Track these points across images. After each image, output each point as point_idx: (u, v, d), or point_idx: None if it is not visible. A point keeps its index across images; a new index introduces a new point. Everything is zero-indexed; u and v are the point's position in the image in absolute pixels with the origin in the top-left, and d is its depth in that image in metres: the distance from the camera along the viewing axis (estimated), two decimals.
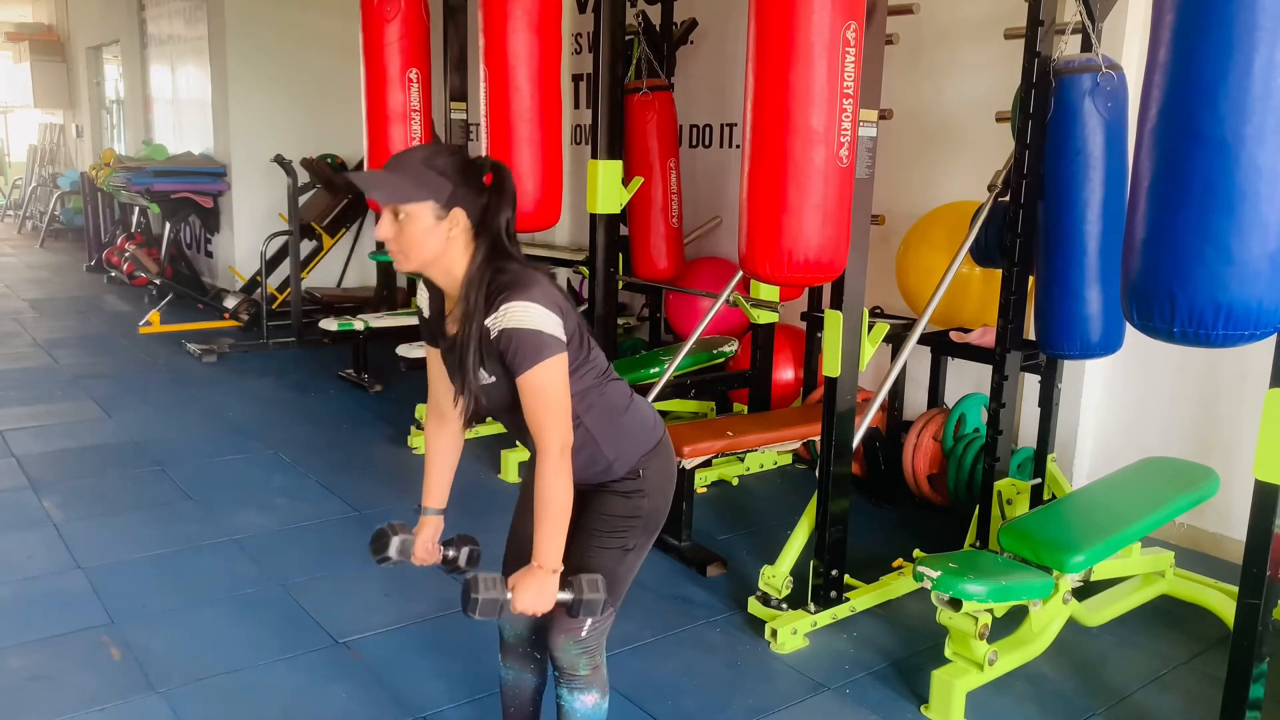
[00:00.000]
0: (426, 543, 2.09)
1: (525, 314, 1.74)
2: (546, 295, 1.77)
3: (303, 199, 7.71)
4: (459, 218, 1.79)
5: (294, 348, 7.01)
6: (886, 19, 2.92)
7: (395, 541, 2.05)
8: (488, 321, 1.76)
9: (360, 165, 7.11)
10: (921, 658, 2.99)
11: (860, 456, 4.33)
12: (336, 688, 2.77)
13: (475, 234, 1.82)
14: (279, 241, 7.39)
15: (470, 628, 3.11)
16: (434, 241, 1.79)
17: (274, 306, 7.28)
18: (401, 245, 1.80)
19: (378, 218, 1.83)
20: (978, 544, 3.46)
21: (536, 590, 1.80)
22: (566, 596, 1.83)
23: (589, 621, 1.94)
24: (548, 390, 1.77)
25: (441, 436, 2.09)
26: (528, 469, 2.11)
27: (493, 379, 1.83)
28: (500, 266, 1.80)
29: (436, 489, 2.12)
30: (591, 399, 1.91)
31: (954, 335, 4.14)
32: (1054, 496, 3.66)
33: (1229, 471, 3.47)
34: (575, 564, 1.96)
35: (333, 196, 7.87)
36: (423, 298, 1.99)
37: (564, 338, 1.78)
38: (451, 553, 2.08)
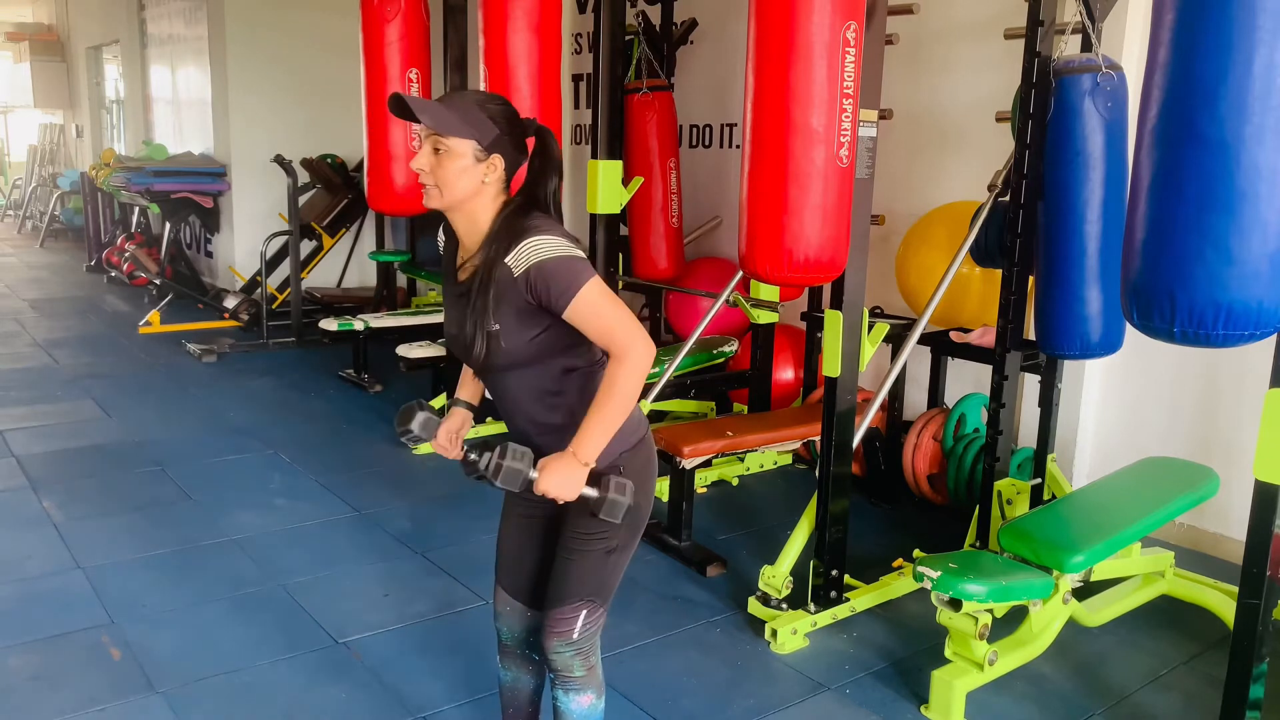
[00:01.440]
0: (451, 432, 2.04)
1: (549, 245, 1.74)
2: (569, 238, 1.79)
3: (303, 199, 7.71)
4: (497, 164, 1.81)
5: (294, 348, 7.01)
6: (886, 19, 2.92)
7: (420, 417, 1.97)
8: (508, 260, 1.75)
9: (360, 165, 7.11)
10: (921, 658, 2.99)
11: (860, 456, 4.33)
12: (336, 688, 2.77)
13: (507, 188, 1.84)
14: (279, 241, 7.38)
15: (470, 629, 3.11)
16: (468, 181, 1.79)
17: (274, 306, 7.28)
18: (436, 179, 1.80)
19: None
20: (978, 544, 3.46)
21: (564, 476, 1.76)
22: (592, 492, 1.79)
23: (579, 622, 1.93)
24: (602, 307, 1.75)
25: None
26: None
27: (497, 326, 1.80)
28: (528, 214, 1.81)
29: (471, 384, 2.11)
30: (583, 382, 1.90)
31: (954, 335, 4.14)
32: (1054, 496, 3.66)
33: (1229, 471, 3.47)
34: (560, 570, 1.96)
35: (333, 196, 7.87)
36: (441, 239, 2.00)
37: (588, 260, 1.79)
38: (474, 455, 1.98)
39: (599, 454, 1.78)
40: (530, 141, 1.88)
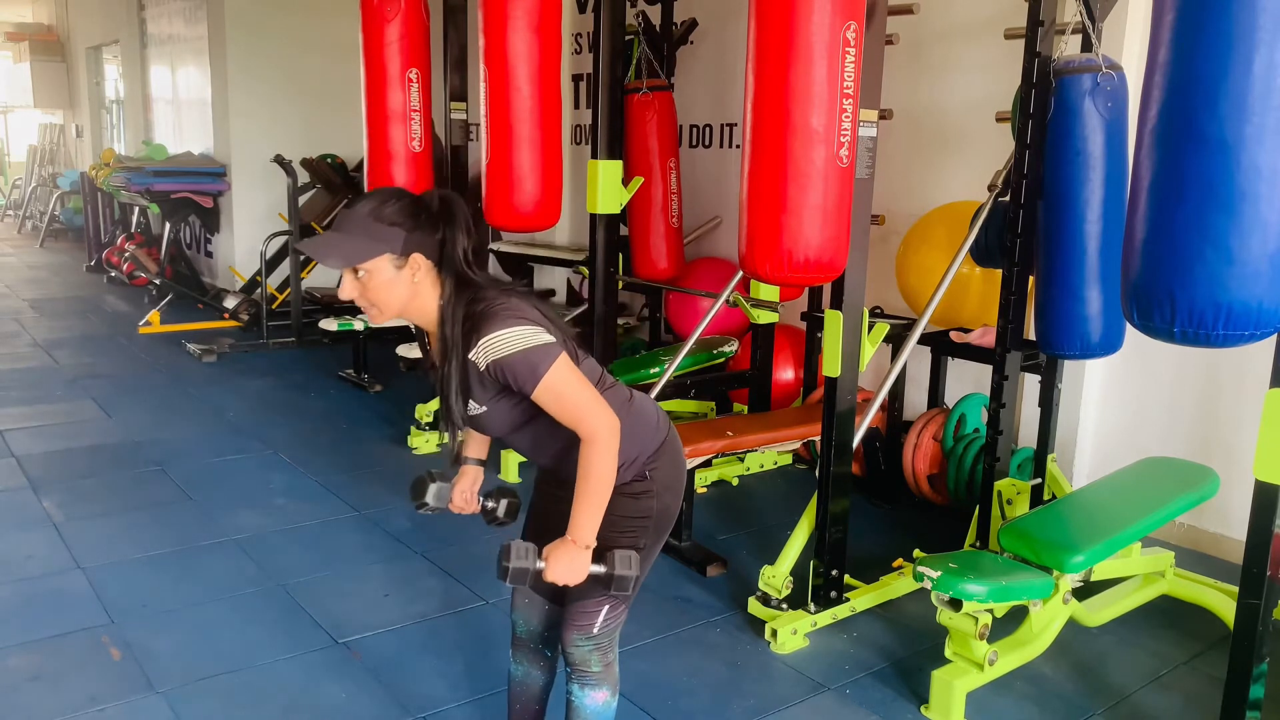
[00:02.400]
0: (465, 492, 2.11)
1: (506, 341, 1.73)
2: (521, 315, 1.76)
3: (303, 199, 7.72)
4: (419, 262, 1.77)
5: (294, 348, 7.01)
6: (886, 19, 2.92)
7: (433, 489, 2.05)
8: (471, 356, 1.76)
9: (360, 165, 7.11)
10: (921, 658, 2.99)
11: (860, 456, 4.33)
12: (336, 688, 2.77)
13: (440, 271, 1.80)
14: (279, 241, 7.39)
15: (470, 628, 3.11)
16: (400, 290, 1.78)
17: (274, 306, 7.28)
18: (370, 300, 1.79)
19: None
20: (978, 544, 3.46)
21: (569, 562, 1.79)
22: (600, 569, 1.83)
23: (601, 617, 1.94)
24: (565, 392, 1.77)
25: None
26: (542, 476, 2.12)
27: (484, 409, 1.83)
28: (473, 297, 1.78)
29: (477, 439, 2.14)
30: None
31: (954, 335, 4.14)
32: (1054, 496, 3.66)
33: (1229, 471, 3.47)
34: None
35: (333, 196, 7.87)
36: (414, 326, 1.96)
37: (553, 338, 1.77)
38: (490, 504, 2.08)
39: (596, 531, 1.81)
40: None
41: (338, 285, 1.87)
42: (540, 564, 1.80)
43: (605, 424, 1.78)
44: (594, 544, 1.81)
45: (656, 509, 1.97)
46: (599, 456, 1.78)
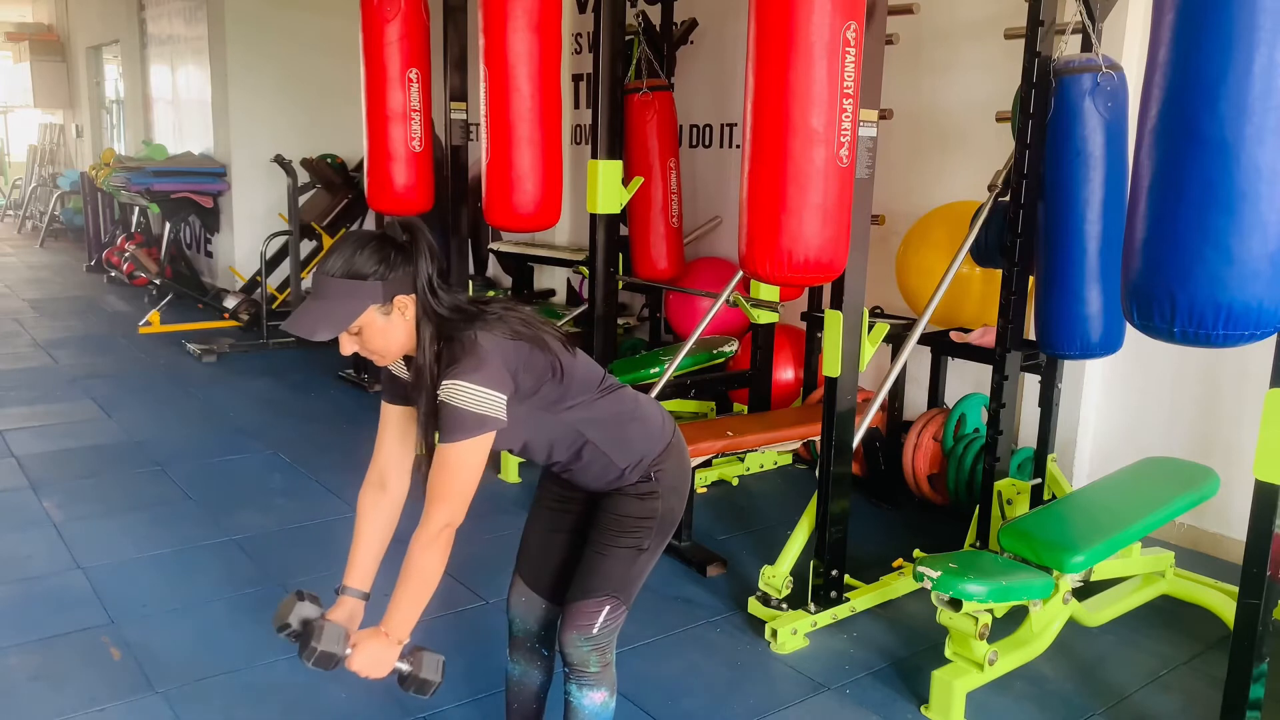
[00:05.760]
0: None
1: (463, 393, 1.71)
2: (492, 362, 1.73)
3: (303, 199, 7.72)
4: (405, 303, 1.76)
5: (294, 348, 7.01)
6: (886, 19, 2.92)
7: (299, 607, 1.83)
8: (439, 394, 1.75)
9: (360, 165, 7.11)
10: (921, 658, 2.98)
11: (860, 456, 4.33)
12: (336, 688, 2.77)
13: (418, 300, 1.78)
14: (279, 241, 7.38)
15: (470, 628, 3.11)
16: (395, 334, 1.77)
17: (274, 306, 7.28)
18: (372, 351, 1.79)
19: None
20: (978, 544, 3.46)
21: (376, 655, 1.77)
22: (405, 667, 1.80)
23: (601, 617, 1.94)
24: (458, 470, 1.75)
25: (378, 508, 2.02)
26: (546, 476, 2.12)
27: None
28: (448, 334, 1.77)
29: (361, 566, 1.95)
30: (591, 415, 1.91)
31: (954, 335, 4.14)
32: (1054, 496, 3.66)
33: (1229, 471, 3.47)
34: (588, 564, 1.98)
35: (333, 196, 7.87)
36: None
37: (502, 416, 1.74)
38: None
39: (411, 629, 1.79)
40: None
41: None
42: (348, 651, 1.76)
43: (453, 519, 1.76)
44: (407, 639, 1.79)
45: (661, 510, 1.97)
46: (431, 550, 1.75)
